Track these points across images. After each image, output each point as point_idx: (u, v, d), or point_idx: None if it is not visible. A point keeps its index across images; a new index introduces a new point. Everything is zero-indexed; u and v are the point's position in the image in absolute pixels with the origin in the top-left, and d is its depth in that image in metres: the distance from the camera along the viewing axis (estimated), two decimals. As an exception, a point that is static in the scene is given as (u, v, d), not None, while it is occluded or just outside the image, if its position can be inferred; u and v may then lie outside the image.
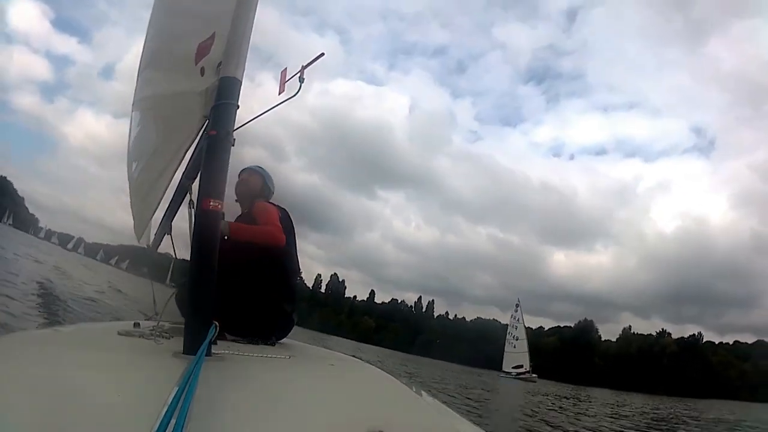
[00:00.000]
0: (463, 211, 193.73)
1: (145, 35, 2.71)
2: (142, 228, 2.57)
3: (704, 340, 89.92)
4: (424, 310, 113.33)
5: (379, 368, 2.25)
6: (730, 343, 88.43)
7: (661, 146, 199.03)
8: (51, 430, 0.86)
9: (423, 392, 1.79)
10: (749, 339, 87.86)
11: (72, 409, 0.95)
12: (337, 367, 2.07)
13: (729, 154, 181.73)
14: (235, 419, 1.02)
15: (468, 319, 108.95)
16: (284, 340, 2.59)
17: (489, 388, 19.70)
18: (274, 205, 2.82)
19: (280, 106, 1.95)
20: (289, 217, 2.82)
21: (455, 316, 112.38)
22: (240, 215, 2.87)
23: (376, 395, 1.62)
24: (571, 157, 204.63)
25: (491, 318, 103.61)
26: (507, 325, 55.55)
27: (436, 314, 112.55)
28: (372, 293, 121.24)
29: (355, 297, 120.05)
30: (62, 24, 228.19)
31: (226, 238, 2.34)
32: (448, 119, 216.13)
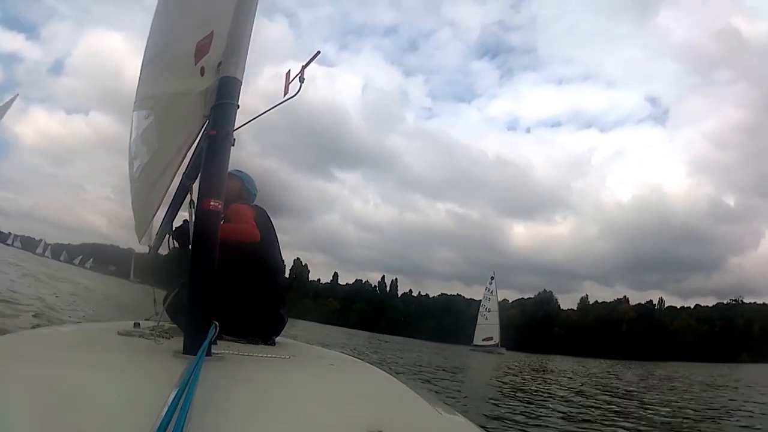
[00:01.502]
0: (421, 188, 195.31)
1: (147, 35, 2.68)
2: (143, 229, 2.59)
3: (666, 305, 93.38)
4: (388, 289, 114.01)
5: (379, 368, 2.22)
6: (692, 307, 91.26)
7: (617, 116, 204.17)
8: (51, 430, 0.86)
9: (423, 392, 1.76)
10: (711, 302, 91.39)
11: (72, 409, 0.95)
12: (337, 367, 2.08)
13: (683, 123, 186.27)
14: (235, 419, 1.02)
15: (432, 295, 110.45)
16: (284, 339, 2.59)
17: (462, 367, 19.48)
18: (250, 206, 2.83)
19: (277, 106, 1.95)
20: (267, 215, 2.85)
21: (419, 293, 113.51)
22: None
23: (376, 395, 1.62)
24: (528, 131, 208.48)
25: (455, 293, 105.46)
26: (471, 299, 56.43)
27: (400, 292, 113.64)
28: (335, 275, 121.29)
29: (319, 280, 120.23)
30: (8, 21, 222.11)
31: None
32: (400, 97, 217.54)
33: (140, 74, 2.65)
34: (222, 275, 2.40)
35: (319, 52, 2.01)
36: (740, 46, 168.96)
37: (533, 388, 12.49)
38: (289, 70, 1.97)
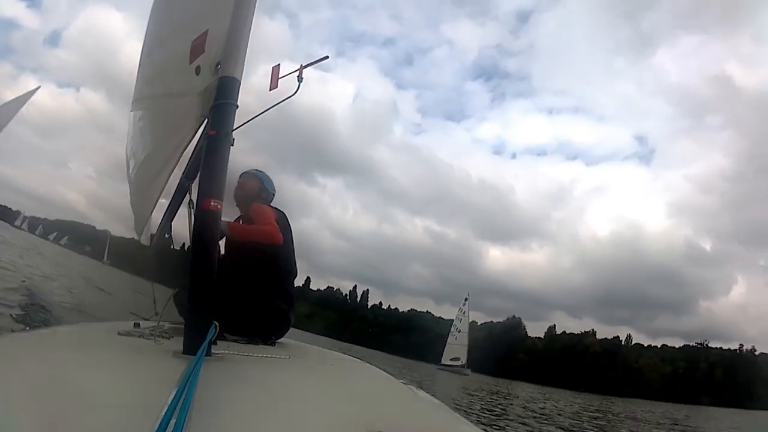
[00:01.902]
0: (401, 202, 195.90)
1: (144, 34, 2.68)
2: (141, 227, 2.61)
3: (633, 342, 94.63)
4: (359, 299, 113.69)
5: (379, 369, 2.21)
6: (659, 346, 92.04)
7: (603, 151, 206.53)
8: (51, 430, 0.86)
9: (423, 392, 1.78)
10: (678, 343, 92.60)
11: (72, 409, 0.95)
12: (337, 367, 2.09)
13: (668, 164, 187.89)
14: (235, 419, 1.02)
15: (402, 309, 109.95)
16: (284, 340, 2.59)
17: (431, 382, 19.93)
18: (272, 207, 2.83)
19: (275, 106, 1.93)
20: (286, 218, 2.85)
21: (389, 306, 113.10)
22: (238, 218, 2.88)
23: (376, 395, 1.62)
24: (513, 156, 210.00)
25: (425, 310, 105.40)
26: (440, 318, 56.38)
27: (370, 304, 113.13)
28: (308, 279, 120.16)
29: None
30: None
31: (224, 237, 2.42)
32: (391, 110, 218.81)
33: (137, 74, 2.64)
34: (241, 273, 2.48)
35: (326, 57, 1.99)
36: (732, 93, 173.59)
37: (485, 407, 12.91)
38: (278, 65, 1.95)
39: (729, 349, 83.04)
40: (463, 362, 48.22)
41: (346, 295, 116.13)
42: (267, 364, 1.80)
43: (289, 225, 2.83)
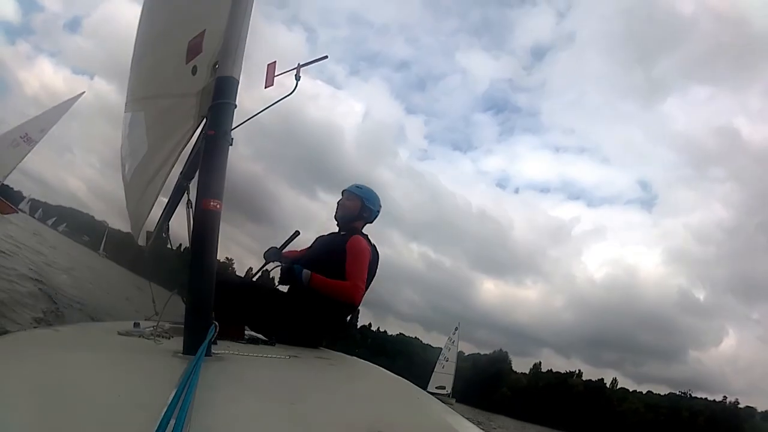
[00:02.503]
0: (399, 226, 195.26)
1: (135, 34, 2.67)
2: (139, 228, 2.59)
3: (619, 386, 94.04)
4: (348, 318, 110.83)
5: (379, 368, 2.22)
6: (644, 392, 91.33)
7: (605, 193, 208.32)
8: (51, 430, 0.87)
9: (424, 392, 1.77)
10: (664, 390, 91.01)
11: (72, 409, 0.95)
12: (337, 367, 2.06)
13: (668, 211, 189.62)
14: (235, 419, 1.01)
15: (391, 332, 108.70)
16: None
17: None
18: (367, 238, 2.82)
19: (272, 105, 1.94)
20: (377, 255, 2.86)
21: (378, 328, 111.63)
22: (334, 234, 2.92)
23: (377, 395, 1.62)
24: (516, 191, 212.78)
25: (414, 336, 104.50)
26: (428, 345, 56.01)
27: (360, 324, 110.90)
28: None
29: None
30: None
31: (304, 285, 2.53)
32: (398, 133, 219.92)
33: (130, 74, 2.63)
34: (306, 293, 2.57)
35: (326, 56, 1.99)
36: (737, 147, 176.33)
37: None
38: (274, 63, 1.95)
39: (714, 400, 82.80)
40: (449, 391, 48.00)
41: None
42: (267, 364, 1.79)
43: (378, 262, 2.86)
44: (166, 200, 2.45)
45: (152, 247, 2.81)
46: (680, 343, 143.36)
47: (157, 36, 2.44)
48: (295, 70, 1.92)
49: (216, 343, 1.59)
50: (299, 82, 1.92)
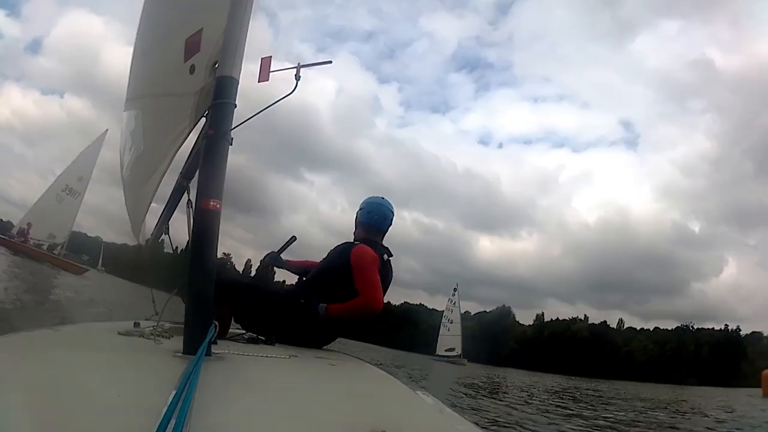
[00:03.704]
0: (388, 195, 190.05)
1: (135, 33, 2.66)
2: (138, 228, 2.60)
3: (626, 326, 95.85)
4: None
5: (380, 368, 2.22)
6: (651, 329, 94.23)
7: (589, 138, 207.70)
8: (51, 430, 0.86)
9: (423, 392, 1.76)
10: (672, 325, 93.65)
11: (72, 409, 0.94)
12: (337, 367, 2.06)
13: (653, 148, 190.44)
14: (235, 419, 1.01)
15: (395, 303, 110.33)
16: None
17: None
18: (375, 246, 2.83)
19: (272, 105, 1.94)
20: (390, 260, 2.88)
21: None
22: (344, 243, 2.95)
23: (377, 395, 1.62)
24: (500, 146, 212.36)
25: (418, 302, 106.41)
26: (433, 310, 56.66)
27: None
28: (301, 278, 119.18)
29: (284, 281, 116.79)
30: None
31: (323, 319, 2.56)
32: (373, 104, 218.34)
33: (130, 73, 2.63)
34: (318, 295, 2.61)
35: (330, 61, 2.00)
36: (713, 77, 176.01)
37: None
38: (269, 57, 1.95)
39: (719, 330, 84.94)
40: (459, 352, 48.75)
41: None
42: (267, 363, 1.79)
43: (392, 269, 2.90)
44: (165, 200, 2.47)
45: (151, 246, 2.82)
46: (682, 277, 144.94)
47: (155, 34, 2.45)
48: (294, 70, 1.92)
49: (216, 343, 1.59)
50: (299, 82, 1.92)
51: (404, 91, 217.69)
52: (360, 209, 3.02)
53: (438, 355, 48.96)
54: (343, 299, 2.59)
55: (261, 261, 3.21)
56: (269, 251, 3.20)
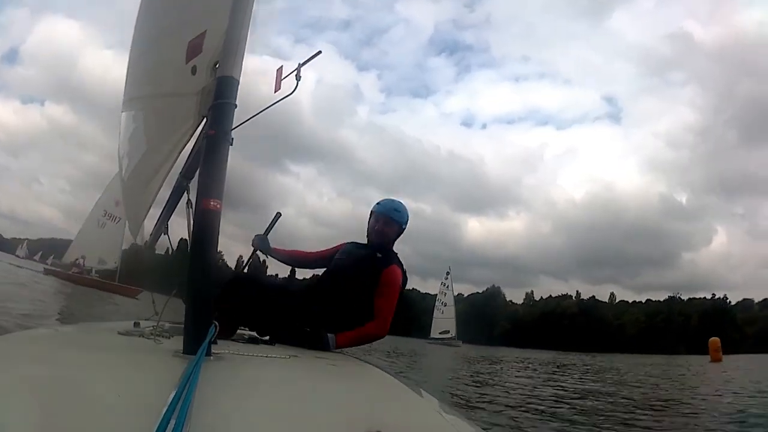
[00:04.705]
0: (374, 182, 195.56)
1: (133, 31, 2.64)
2: (137, 228, 2.61)
3: (618, 300, 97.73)
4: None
5: (380, 369, 2.22)
6: (643, 301, 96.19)
7: (572, 114, 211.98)
8: (51, 430, 0.85)
9: (423, 392, 1.75)
10: (664, 297, 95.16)
11: (72, 409, 0.94)
12: (337, 367, 2.05)
13: (637, 122, 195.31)
14: (235, 419, 1.01)
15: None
16: None
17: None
18: (402, 269, 2.84)
19: (273, 105, 1.93)
20: (406, 279, 2.91)
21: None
22: (368, 251, 2.86)
23: (377, 395, 1.61)
24: (483, 126, 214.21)
25: (411, 288, 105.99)
26: (426, 294, 56.95)
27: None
28: (293, 271, 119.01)
29: (276, 275, 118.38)
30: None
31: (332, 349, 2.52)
32: (353, 92, 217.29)
33: (127, 73, 2.61)
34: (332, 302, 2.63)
35: (320, 52, 2.00)
36: (692, 49, 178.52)
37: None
38: (281, 67, 1.95)
39: (704, 298, 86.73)
40: (453, 334, 49.24)
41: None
42: (267, 364, 1.79)
43: (405, 283, 2.91)
44: (165, 200, 2.47)
45: (151, 246, 2.84)
46: (672, 249, 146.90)
47: (156, 35, 2.43)
48: (296, 71, 1.92)
49: (216, 343, 1.59)
50: (299, 83, 1.92)
51: (384, 78, 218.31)
52: (396, 210, 2.94)
53: (433, 338, 49.48)
54: (357, 312, 2.63)
55: (252, 243, 3.19)
56: (256, 234, 3.19)
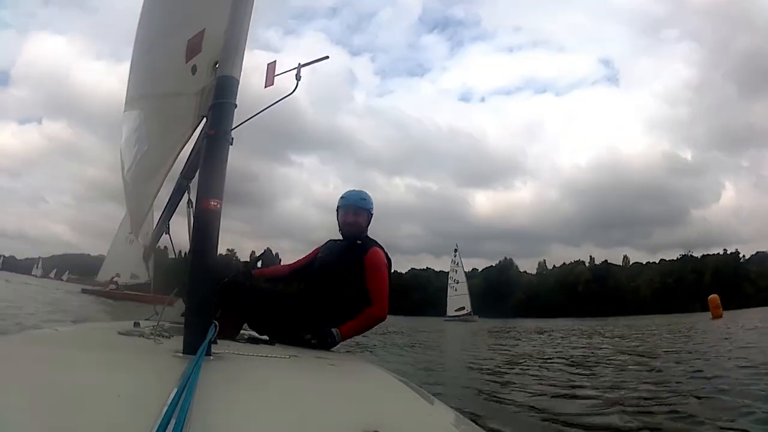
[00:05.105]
0: (377, 166, 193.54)
1: (134, 35, 2.67)
2: (138, 227, 2.60)
3: (632, 262, 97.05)
4: None
5: (380, 368, 2.24)
6: (657, 261, 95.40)
7: (570, 80, 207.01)
8: (51, 430, 0.86)
9: (423, 392, 1.77)
10: (677, 255, 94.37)
11: (72, 409, 0.94)
12: (337, 367, 2.04)
13: (634, 83, 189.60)
14: (235, 419, 1.01)
15: (402, 271, 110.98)
16: None
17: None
18: (384, 251, 2.91)
19: (273, 105, 1.93)
20: (390, 261, 2.95)
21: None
22: (348, 243, 2.95)
23: (376, 395, 1.62)
24: (482, 100, 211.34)
25: (425, 267, 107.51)
26: (440, 272, 57.52)
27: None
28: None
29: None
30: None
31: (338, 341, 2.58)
32: (348, 78, 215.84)
33: (129, 73, 2.65)
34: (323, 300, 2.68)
35: (327, 57, 2.00)
36: (682, 4, 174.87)
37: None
38: (274, 62, 1.95)
39: (718, 254, 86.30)
40: (469, 310, 49.95)
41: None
42: (267, 364, 1.80)
43: (391, 264, 2.97)
44: (166, 199, 2.47)
45: (152, 246, 2.84)
46: (681, 206, 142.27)
47: (156, 35, 2.45)
48: (295, 70, 1.94)
49: (216, 343, 1.59)
50: (299, 82, 1.94)
51: (378, 61, 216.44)
52: (362, 199, 3.03)
53: (449, 316, 49.96)
54: (352, 301, 2.70)
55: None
56: (261, 251, 3.30)
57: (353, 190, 3.09)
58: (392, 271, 3.00)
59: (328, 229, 2.97)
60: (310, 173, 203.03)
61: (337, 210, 3.04)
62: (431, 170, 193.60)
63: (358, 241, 2.91)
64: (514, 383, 5.45)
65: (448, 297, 53.32)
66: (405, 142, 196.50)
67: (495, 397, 4.57)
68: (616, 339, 13.84)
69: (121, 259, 30.62)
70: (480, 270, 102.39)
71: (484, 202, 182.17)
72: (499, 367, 7.33)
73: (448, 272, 57.21)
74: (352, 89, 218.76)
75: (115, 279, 31.98)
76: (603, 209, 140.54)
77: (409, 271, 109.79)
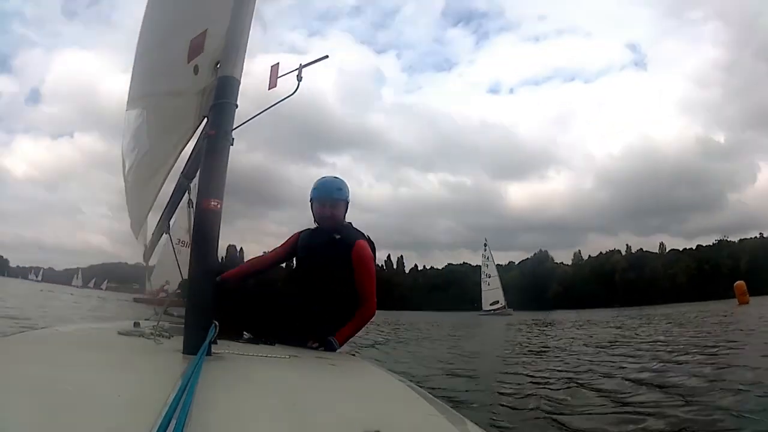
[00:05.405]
0: (411, 162, 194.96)
1: (138, 35, 2.70)
2: (138, 227, 2.63)
3: (669, 249, 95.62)
4: (395, 266, 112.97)
5: (380, 368, 2.27)
6: (694, 248, 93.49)
7: (598, 66, 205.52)
8: (51, 430, 0.85)
9: (423, 392, 1.78)
10: (714, 241, 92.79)
11: (72, 408, 0.94)
12: (337, 367, 2.04)
13: (663, 66, 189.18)
14: (236, 419, 1.00)
15: (439, 267, 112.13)
16: None
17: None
18: (369, 240, 2.81)
19: (274, 105, 1.93)
20: (374, 248, 2.84)
21: (424, 266, 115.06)
22: (328, 235, 2.75)
23: (377, 395, 1.61)
24: (511, 91, 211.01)
25: (462, 261, 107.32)
26: (477, 266, 57.97)
27: (408, 268, 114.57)
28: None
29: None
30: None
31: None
32: (375, 76, 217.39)
33: (132, 72, 2.64)
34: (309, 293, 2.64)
35: (326, 56, 2.01)
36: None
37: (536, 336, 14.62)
38: (277, 64, 1.94)
39: (753, 238, 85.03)
40: (503, 304, 49.98)
41: (381, 265, 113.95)
42: (267, 363, 1.79)
43: (375, 251, 2.85)
44: (166, 199, 2.46)
45: (153, 246, 2.85)
46: (716, 190, 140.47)
47: (159, 35, 2.45)
48: (297, 71, 1.92)
49: (216, 343, 1.58)
50: (301, 83, 1.91)
51: (404, 57, 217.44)
52: (339, 189, 2.82)
53: (485, 311, 50.12)
54: (346, 299, 2.65)
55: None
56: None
57: (326, 178, 2.87)
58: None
59: (366, 227, 2.83)
60: (342, 173, 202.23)
61: (310, 201, 2.82)
62: (464, 164, 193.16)
63: (337, 236, 2.73)
64: (515, 382, 5.14)
65: (482, 292, 53.59)
66: (436, 137, 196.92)
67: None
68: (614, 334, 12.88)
69: (170, 269, 32.05)
70: (516, 263, 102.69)
71: (518, 193, 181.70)
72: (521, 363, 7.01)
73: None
74: (380, 87, 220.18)
75: (165, 287, 34.06)
76: (638, 196, 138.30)
77: (446, 266, 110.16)
